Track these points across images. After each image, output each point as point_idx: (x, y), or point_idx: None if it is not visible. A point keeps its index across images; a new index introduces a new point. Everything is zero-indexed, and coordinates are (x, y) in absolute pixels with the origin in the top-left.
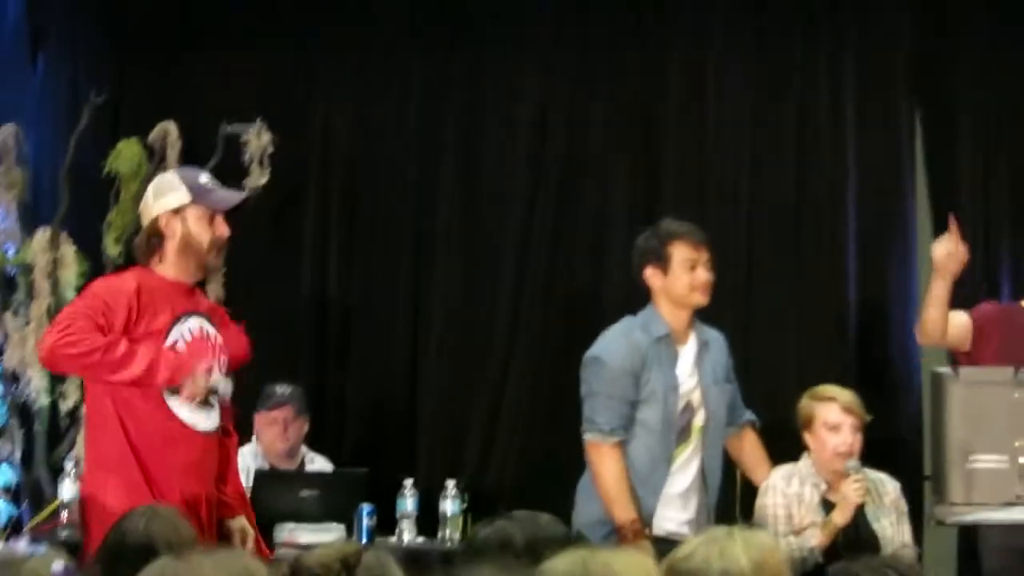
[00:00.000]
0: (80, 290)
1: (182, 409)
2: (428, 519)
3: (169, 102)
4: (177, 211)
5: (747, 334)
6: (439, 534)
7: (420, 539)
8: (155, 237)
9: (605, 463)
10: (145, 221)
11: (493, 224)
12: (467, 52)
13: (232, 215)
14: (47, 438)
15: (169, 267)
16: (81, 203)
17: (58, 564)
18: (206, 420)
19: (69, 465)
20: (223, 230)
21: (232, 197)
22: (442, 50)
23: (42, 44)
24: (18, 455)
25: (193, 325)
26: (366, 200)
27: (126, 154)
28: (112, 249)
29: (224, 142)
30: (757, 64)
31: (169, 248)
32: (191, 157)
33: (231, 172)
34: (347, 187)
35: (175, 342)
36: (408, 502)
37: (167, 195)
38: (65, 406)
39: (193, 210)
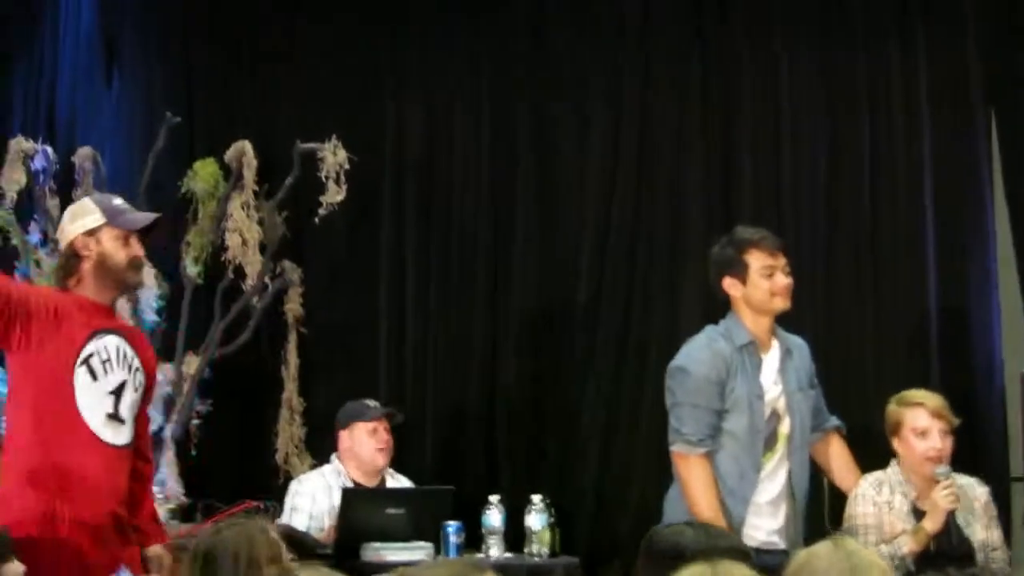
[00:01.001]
0: (160, 312)
1: (94, 421)
2: (512, 534)
3: (243, 120)
4: (92, 232)
5: (827, 341)
6: (526, 549)
7: (508, 555)
8: (72, 259)
9: (693, 474)
10: (62, 245)
11: (568, 234)
12: (538, 59)
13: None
14: None
15: (87, 287)
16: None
17: None
18: (115, 435)
19: (155, 488)
20: (137, 249)
21: (144, 217)
22: (512, 58)
23: (116, 65)
24: None
25: (110, 342)
26: (442, 213)
27: (202, 174)
28: (191, 269)
29: (300, 159)
30: (830, 69)
31: (86, 269)
32: (267, 175)
33: (308, 189)
34: (422, 200)
35: (91, 354)
36: (495, 517)
37: (82, 218)
38: (149, 429)
39: (107, 231)
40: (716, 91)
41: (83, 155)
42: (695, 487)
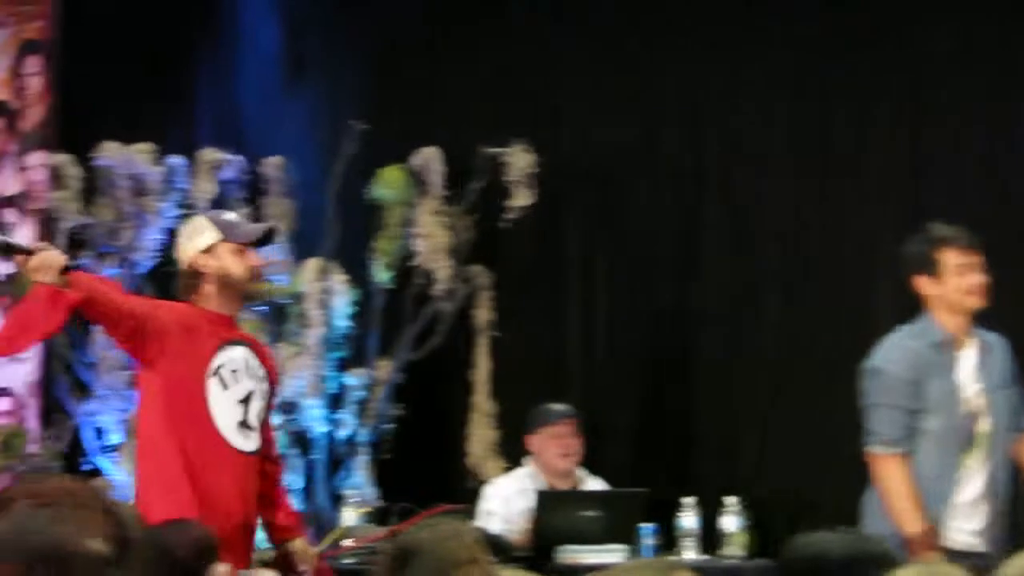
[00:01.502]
0: (352, 317)
1: (226, 429)
2: (706, 537)
3: (429, 126)
4: (208, 249)
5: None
6: (720, 551)
7: (703, 557)
8: (192, 277)
9: (890, 475)
10: (182, 264)
11: (757, 237)
12: (722, 61)
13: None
14: (327, 467)
15: (211, 302)
16: (348, 231)
17: None
18: (246, 442)
19: (350, 492)
20: (255, 260)
21: (257, 229)
22: (698, 66)
23: (302, 76)
24: (299, 484)
25: (238, 353)
26: (629, 215)
27: (389, 180)
28: (381, 275)
29: (486, 164)
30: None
31: (207, 285)
32: (453, 180)
33: (495, 194)
34: (609, 204)
35: (220, 365)
36: (689, 520)
37: (197, 236)
38: (342, 434)
39: (224, 246)
40: (900, 85)
41: (271, 164)
42: (892, 489)
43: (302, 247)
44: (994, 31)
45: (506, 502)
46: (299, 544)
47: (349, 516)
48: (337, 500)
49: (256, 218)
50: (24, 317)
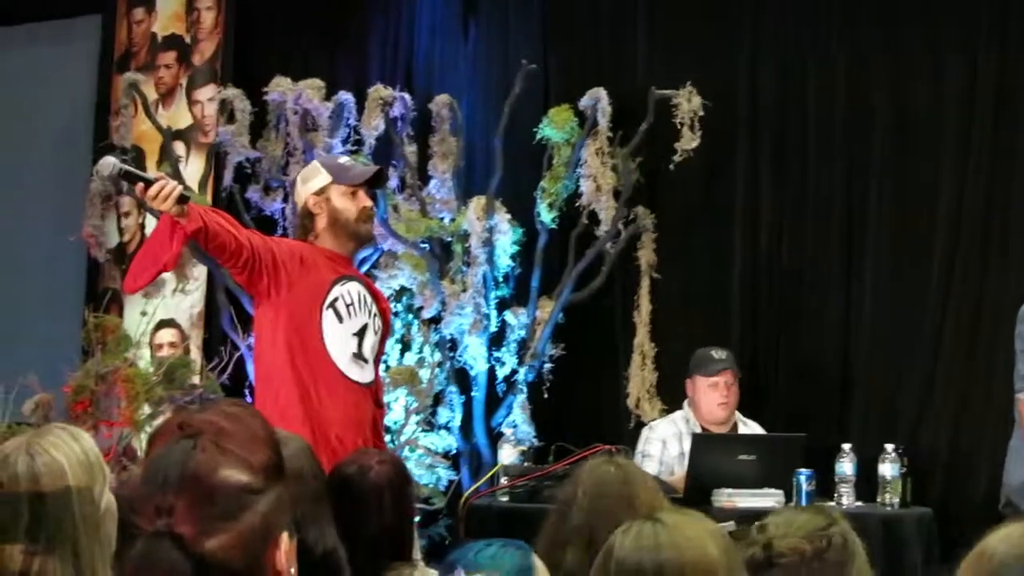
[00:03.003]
0: (515, 257)
1: (340, 359)
2: (864, 483)
3: (597, 67)
4: (321, 191)
5: None
6: (878, 498)
7: (859, 503)
8: (307, 218)
9: None
10: (298, 207)
11: (923, 195)
12: (892, 18)
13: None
14: (485, 404)
15: (325, 241)
16: (514, 171)
17: None
18: (360, 374)
19: (508, 431)
20: (365, 201)
21: (366, 171)
22: (866, 17)
23: (473, 16)
24: (458, 421)
25: (353, 288)
26: (795, 167)
27: (558, 121)
28: (546, 215)
29: (654, 106)
30: None
31: (320, 225)
32: (621, 121)
33: (662, 136)
34: (776, 151)
35: (336, 298)
36: (847, 466)
37: (312, 179)
38: (502, 372)
39: (335, 188)
40: None
41: (440, 102)
42: None
43: (469, 185)
44: None
45: (663, 444)
46: None
47: (506, 454)
48: (495, 438)
49: (424, 155)
50: (146, 251)
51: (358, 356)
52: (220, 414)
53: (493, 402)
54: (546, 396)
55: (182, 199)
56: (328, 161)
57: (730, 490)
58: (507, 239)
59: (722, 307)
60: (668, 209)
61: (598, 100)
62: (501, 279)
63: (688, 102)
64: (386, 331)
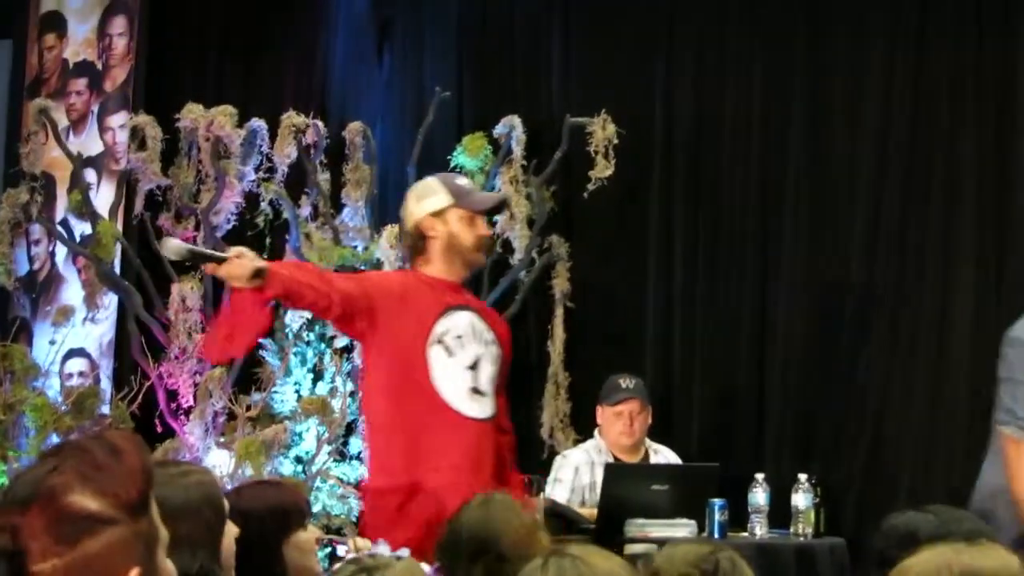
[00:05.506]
0: None
1: (454, 397)
2: (777, 513)
3: (512, 95)
4: (439, 213)
5: None
6: (791, 528)
7: (773, 533)
8: (419, 240)
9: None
10: (409, 225)
11: (839, 214)
12: (810, 40)
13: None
14: None
15: (435, 266)
16: None
17: (429, 569)
18: (479, 409)
19: None
20: (483, 230)
21: (490, 198)
22: (784, 40)
23: (388, 44)
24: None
25: (462, 318)
26: (709, 193)
27: (471, 148)
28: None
29: (569, 134)
30: None
31: (433, 249)
32: (535, 149)
33: (576, 164)
34: (691, 178)
35: (444, 332)
36: (760, 496)
37: (429, 198)
38: None
39: (454, 212)
40: (991, 77)
41: (353, 130)
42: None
43: (382, 214)
44: None
45: (576, 471)
46: None
47: None
48: None
49: (337, 183)
50: (231, 323)
51: (475, 391)
52: (98, 442)
53: None
54: None
55: (258, 273)
56: (448, 181)
57: (643, 520)
58: None
59: (637, 335)
60: (582, 237)
61: (512, 128)
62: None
63: (603, 130)
64: (507, 356)
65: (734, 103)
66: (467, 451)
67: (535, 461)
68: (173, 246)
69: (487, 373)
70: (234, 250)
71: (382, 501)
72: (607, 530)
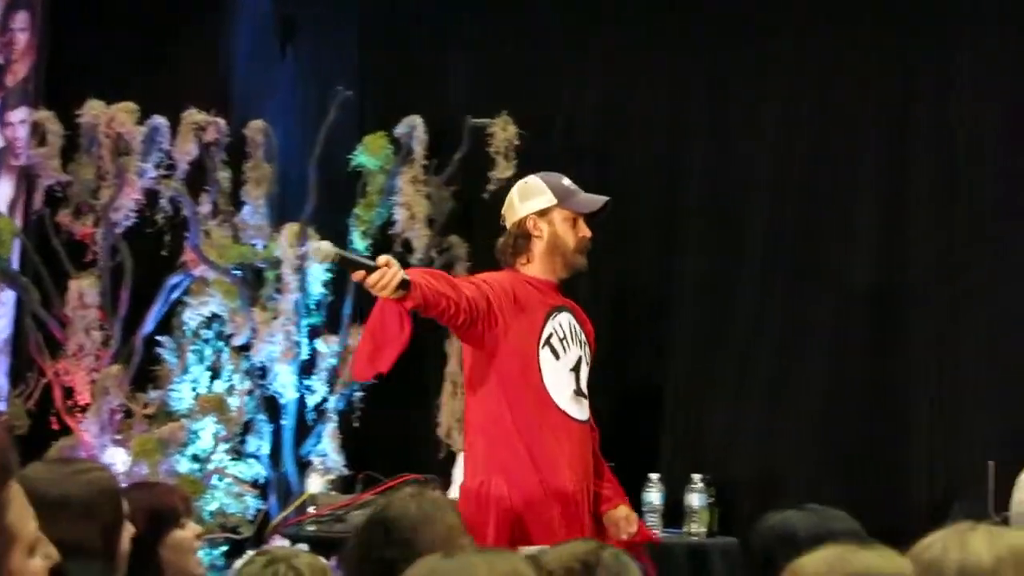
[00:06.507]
0: (327, 285)
1: (561, 399)
2: (672, 513)
3: (414, 95)
4: (543, 213)
5: (999, 325)
6: (684, 528)
7: (666, 532)
8: (523, 239)
9: None
10: (510, 223)
11: (741, 219)
12: (711, 43)
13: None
14: (295, 433)
15: (536, 267)
16: (328, 197)
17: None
18: (580, 410)
19: (316, 460)
20: (585, 232)
21: (595, 200)
22: (687, 43)
23: (290, 42)
24: (266, 450)
25: (564, 320)
26: (611, 195)
27: (372, 148)
28: (359, 243)
29: (470, 135)
30: (1007, 63)
31: (536, 249)
32: (436, 149)
33: (477, 164)
34: (595, 180)
35: (551, 334)
36: (655, 495)
37: (534, 198)
38: (312, 400)
39: (559, 212)
40: (889, 83)
41: (255, 128)
42: None
43: (282, 212)
44: None
45: None
46: (622, 511)
47: (314, 483)
48: (304, 467)
49: (237, 181)
50: (377, 337)
51: (578, 392)
52: None
53: (303, 431)
54: (356, 425)
55: (404, 284)
56: (553, 181)
57: None
58: (320, 267)
59: None
60: (482, 238)
61: (413, 128)
62: (313, 307)
63: (503, 131)
64: (593, 357)
65: (637, 105)
66: (579, 453)
67: (432, 461)
68: (325, 249)
69: (585, 375)
70: (382, 259)
71: (508, 507)
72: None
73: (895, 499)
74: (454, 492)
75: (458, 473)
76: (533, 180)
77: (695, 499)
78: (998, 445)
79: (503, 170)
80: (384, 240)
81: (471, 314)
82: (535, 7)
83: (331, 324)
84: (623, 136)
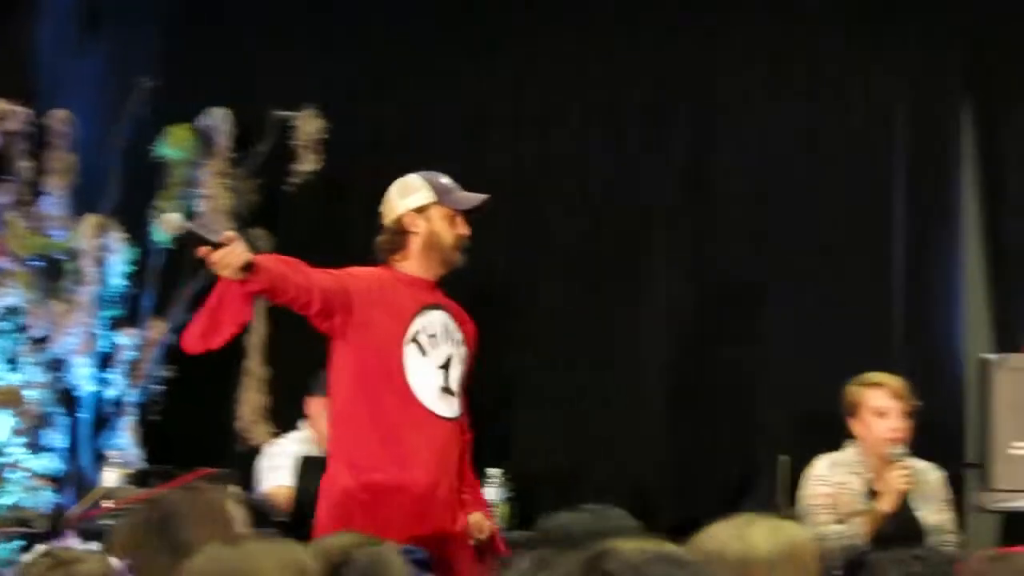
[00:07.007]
0: (128, 277)
1: (425, 396)
2: None
3: (219, 87)
4: (421, 210)
5: (795, 322)
6: None
7: None
8: (399, 235)
9: None
10: (388, 220)
11: (547, 217)
12: (515, 39)
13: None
14: (92, 426)
15: (413, 264)
16: (131, 188)
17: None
18: (447, 408)
19: (113, 453)
20: (463, 229)
21: (473, 198)
22: (487, 39)
23: (94, 27)
24: (63, 443)
25: (436, 317)
26: None
27: (176, 139)
28: (161, 235)
29: (274, 127)
30: (805, 53)
31: (413, 245)
32: (241, 142)
33: (282, 157)
34: (397, 174)
35: (418, 331)
36: None
37: (411, 195)
38: (111, 393)
39: (437, 209)
40: (693, 83)
41: (57, 117)
42: None
43: (82, 203)
44: None
45: (292, 461)
46: (475, 518)
47: (110, 477)
48: (101, 461)
49: (39, 171)
50: (214, 313)
51: (445, 390)
52: None
53: (101, 424)
54: (155, 418)
55: (247, 266)
56: (431, 178)
57: None
58: (120, 258)
59: None
60: (286, 231)
61: (218, 120)
62: (113, 299)
63: (308, 124)
64: (472, 356)
65: (442, 101)
66: (438, 450)
67: (230, 454)
68: (173, 221)
69: (456, 373)
70: (227, 235)
71: (351, 499)
72: (300, 523)
73: (691, 492)
74: (263, 486)
75: (264, 466)
76: (411, 177)
77: (493, 494)
78: (789, 440)
79: (307, 163)
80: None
81: (325, 304)
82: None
83: (131, 317)
84: (425, 129)
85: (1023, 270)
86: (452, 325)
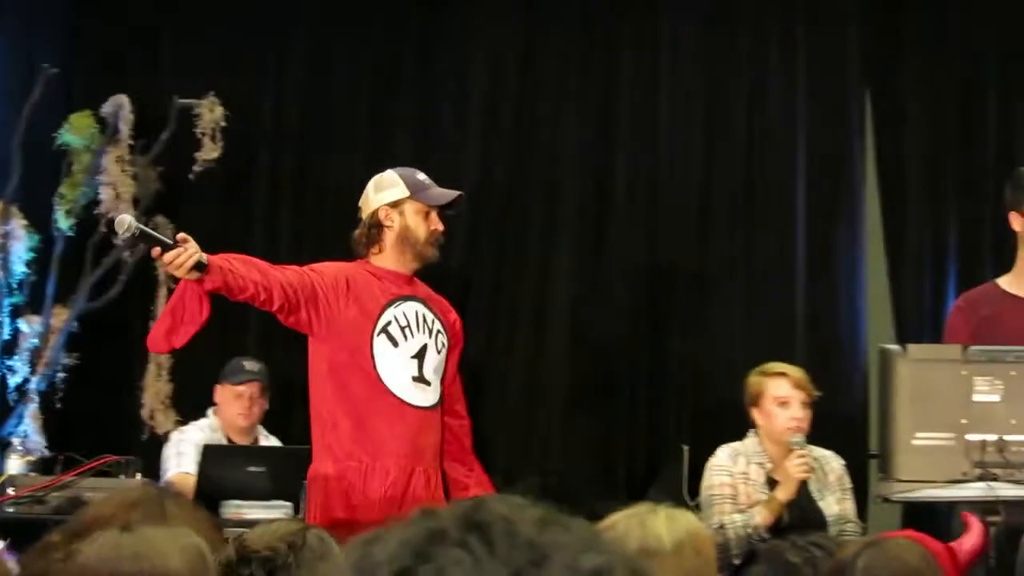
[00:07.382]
0: (30, 264)
1: (396, 385)
2: None
3: (122, 74)
4: (395, 204)
5: (699, 313)
6: None
7: None
8: (375, 229)
9: None
10: (365, 214)
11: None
12: (419, 23)
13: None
14: None
15: (387, 257)
16: (33, 176)
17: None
18: (422, 396)
19: (16, 440)
20: (437, 224)
21: (446, 194)
22: (394, 23)
23: None
24: None
25: (408, 308)
26: (317, 174)
27: (78, 126)
28: (63, 222)
29: (177, 115)
30: (708, 44)
31: (388, 239)
32: (143, 130)
33: (183, 145)
34: (299, 162)
35: (388, 322)
36: None
37: (387, 190)
38: (14, 381)
39: (411, 204)
40: (597, 62)
41: None
42: None
43: None
44: None
45: (195, 447)
46: None
47: (14, 464)
48: (3, 447)
49: None
50: (176, 314)
51: (419, 379)
52: None
53: (4, 411)
54: (58, 406)
55: (199, 266)
56: (406, 174)
57: (239, 501)
58: (22, 245)
59: (240, 317)
60: (188, 219)
61: (120, 107)
62: (15, 286)
63: (210, 112)
64: (455, 344)
65: (341, 89)
66: (409, 438)
67: (135, 442)
68: (124, 221)
69: (433, 362)
70: (180, 236)
71: (329, 485)
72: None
73: (597, 483)
74: (167, 474)
75: (170, 453)
76: (388, 173)
77: None
78: (692, 430)
79: (209, 151)
80: (89, 219)
81: (289, 300)
82: None
83: (34, 304)
84: (326, 118)
85: (923, 262)
86: (430, 316)
